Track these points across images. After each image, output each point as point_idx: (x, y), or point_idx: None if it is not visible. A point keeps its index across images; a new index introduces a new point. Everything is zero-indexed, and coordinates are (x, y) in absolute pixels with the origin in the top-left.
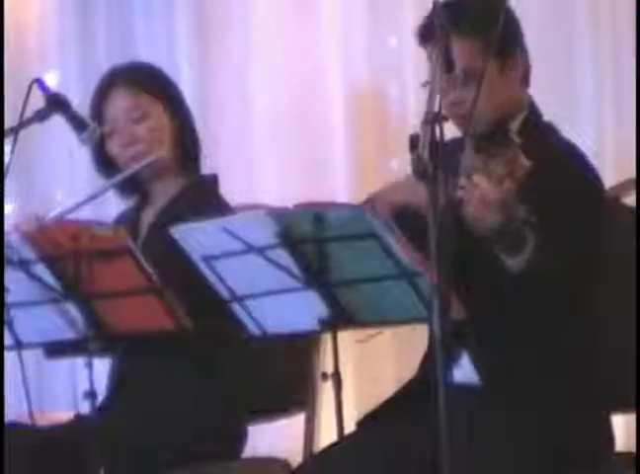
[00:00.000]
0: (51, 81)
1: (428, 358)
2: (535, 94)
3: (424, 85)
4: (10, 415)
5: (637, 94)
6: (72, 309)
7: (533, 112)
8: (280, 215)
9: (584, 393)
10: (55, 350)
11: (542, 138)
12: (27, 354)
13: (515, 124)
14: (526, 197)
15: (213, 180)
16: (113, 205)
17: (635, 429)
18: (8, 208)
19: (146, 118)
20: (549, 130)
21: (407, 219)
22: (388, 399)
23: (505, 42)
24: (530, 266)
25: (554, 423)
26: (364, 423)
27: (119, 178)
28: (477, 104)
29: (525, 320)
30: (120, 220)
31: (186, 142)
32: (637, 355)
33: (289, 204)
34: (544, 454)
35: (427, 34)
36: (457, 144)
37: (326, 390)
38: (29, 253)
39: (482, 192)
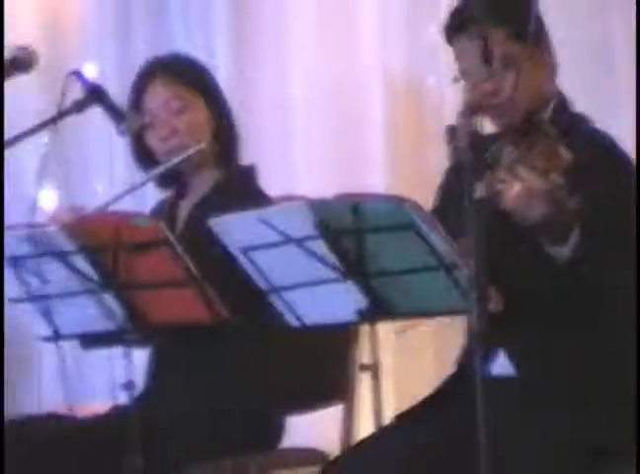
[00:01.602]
0: (90, 74)
1: (466, 351)
2: None
3: (455, 81)
4: (48, 406)
5: (637, 93)
6: (110, 300)
7: (563, 101)
8: (318, 206)
9: (620, 390)
10: (91, 340)
11: (575, 128)
12: (65, 345)
13: (546, 114)
14: (573, 189)
15: (252, 171)
16: (150, 197)
17: (635, 429)
18: (47, 200)
19: (186, 110)
20: (581, 120)
21: (446, 211)
22: (428, 394)
23: (535, 30)
24: (575, 255)
25: (589, 419)
26: (403, 416)
27: (159, 170)
28: (516, 90)
29: (565, 312)
30: (158, 212)
31: (225, 135)
32: (637, 356)
33: (327, 196)
34: (577, 451)
35: (457, 26)
36: (494, 135)
37: (364, 381)
38: (68, 244)
39: (525, 184)
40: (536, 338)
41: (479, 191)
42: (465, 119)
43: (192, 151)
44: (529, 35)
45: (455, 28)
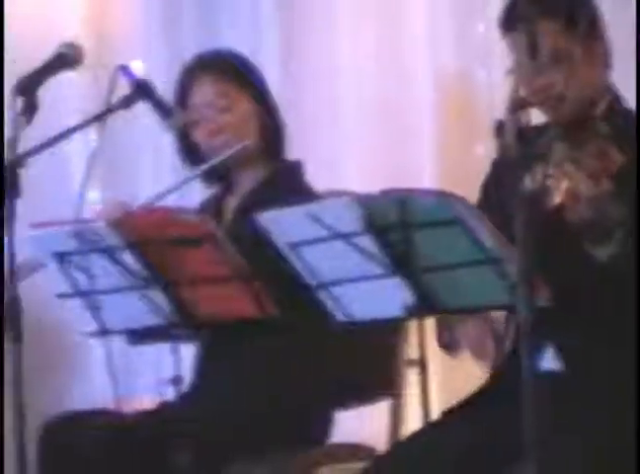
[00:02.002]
0: (137, 70)
1: (513, 346)
2: None
3: (508, 74)
4: (97, 401)
5: (637, 93)
6: (157, 296)
7: (617, 97)
8: (365, 202)
9: None
10: (138, 336)
11: (628, 125)
12: (113, 340)
13: (599, 110)
14: (619, 192)
15: (298, 166)
16: (196, 193)
17: (635, 429)
18: (94, 195)
19: (232, 106)
20: (633, 117)
21: (492, 204)
22: (475, 390)
23: (588, 24)
24: (615, 259)
25: (627, 421)
26: (450, 412)
27: (205, 166)
28: (567, 85)
29: (607, 310)
30: (205, 207)
31: (271, 131)
32: (637, 356)
33: (375, 191)
34: (619, 449)
35: (510, 21)
36: (544, 130)
37: (411, 377)
38: (115, 240)
39: (573, 184)
40: (581, 335)
41: (527, 185)
42: (514, 115)
43: (238, 148)
44: (581, 28)
45: (507, 23)
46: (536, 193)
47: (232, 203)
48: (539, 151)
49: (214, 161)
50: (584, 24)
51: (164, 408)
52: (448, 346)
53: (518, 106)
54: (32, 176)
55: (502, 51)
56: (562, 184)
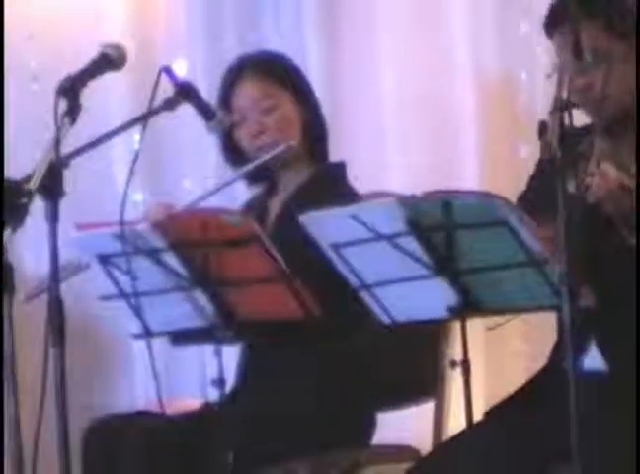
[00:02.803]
0: (180, 71)
1: (557, 347)
2: None
3: (549, 76)
4: (140, 402)
5: (637, 93)
6: (201, 297)
7: None
8: (409, 203)
9: None
10: (181, 337)
11: None
12: (156, 341)
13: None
14: None
15: (342, 167)
16: (240, 194)
17: (635, 429)
18: (138, 197)
19: (275, 107)
20: None
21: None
22: (517, 389)
23: (630, 23)
24: None
25: None
26: (493, 413)
27: (249, 167)
28: (608, 85)
29: None
30: (248, 208)
31: (314, 131)
32: (637, 355)
33: (418, 192)
34: None
35: (556, 20)
36: (585, 130)
37: (455, 378)
38: (158, 241)
39: (610, 180)
40: (627, 335)
41: (571, 186)
42: (557, 115)
43: (281, 148)
44: (620, 27)
45: (551, 23)
46: (578, 192)
47: (275, 205)
48: (581, 150)
49: (258, 162)
50: (623, 23)
51: (207, 410)
52: None
53: (561, 106)
54: (76, 177)
55: (544, 52)
56: (600, 182)
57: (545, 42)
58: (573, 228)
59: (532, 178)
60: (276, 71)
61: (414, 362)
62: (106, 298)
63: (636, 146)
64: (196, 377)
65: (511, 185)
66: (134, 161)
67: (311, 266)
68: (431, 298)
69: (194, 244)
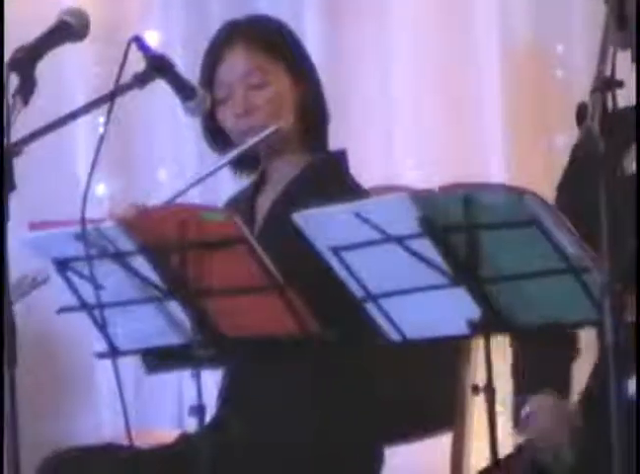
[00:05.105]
0: (153, 43)
1: (597, 370)
2: None
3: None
4: (105, 434)
5: (637, 93)
6: (176, 309)
7: None
8: (423, 199)
9: None
10: (157, 362)
11: None
12: (124, 362)
13: None
14: None
15: (342, 157)
16: (224, 186)
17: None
18: (101, 190)
19: (267, 84)
20: None
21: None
22: None
23: None
24: None
25: None
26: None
27: (232, 154)
28: None
29: None
30: (234, 204)
31: (311, 112)
32: (637, 355)
33: (434, 186)
34: None
35: None
36: (631, 113)
37: (477, 406)
38: (127, 243)
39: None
40: None
41: (615, 177)
42: (599, 96)
43: (270, 131)
44: None
45: None
46: (625, 185)
47: (266, 200)
48: (627, 136)
49: (241, 147)
50: None
51: (184, 442)
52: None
53: (604, 85)
54: (28, 166)
55: (584, 24)
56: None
57: (584, 14)
58: (618, 230)
59: (566, 175)
60: (268, 39)
61: (428, 387)
62: (64, 310)
63: (636, 146)
64: (170, 404)
65: (544, 179)
66: (98, 148)
67: (307, 272)
68: (448, 311)
69: (168, 246)
